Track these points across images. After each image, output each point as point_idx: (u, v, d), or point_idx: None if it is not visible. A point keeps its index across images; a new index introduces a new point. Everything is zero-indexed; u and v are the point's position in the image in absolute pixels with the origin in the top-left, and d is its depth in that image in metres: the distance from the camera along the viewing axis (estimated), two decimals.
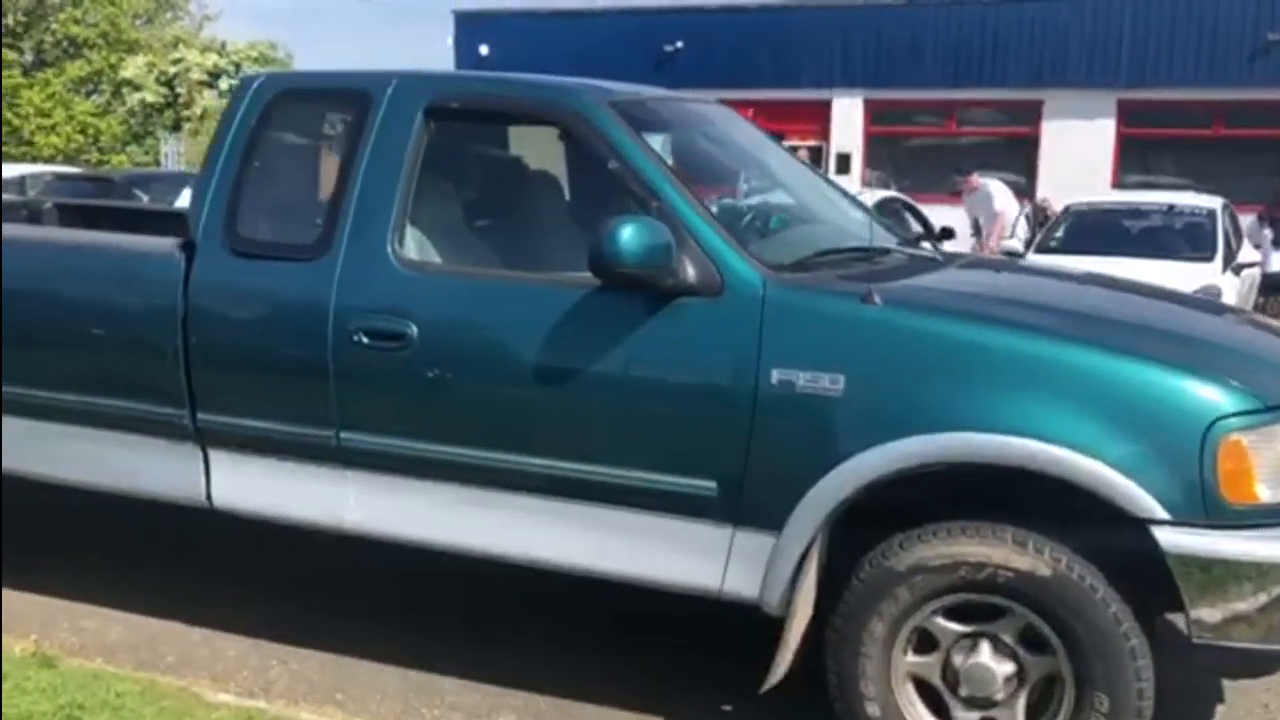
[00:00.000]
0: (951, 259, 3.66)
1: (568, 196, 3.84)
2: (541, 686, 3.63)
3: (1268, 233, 13.98)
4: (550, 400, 3.19)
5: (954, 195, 13.73)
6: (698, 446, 3.05)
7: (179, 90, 30.93)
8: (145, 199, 14.30)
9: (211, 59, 31.14)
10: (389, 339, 3.33)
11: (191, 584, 4.43)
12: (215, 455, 3.67)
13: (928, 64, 17.69)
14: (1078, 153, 16.74)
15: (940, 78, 17.67)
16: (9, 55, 29.31)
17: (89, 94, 32.06)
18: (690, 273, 3.04)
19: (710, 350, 3.03)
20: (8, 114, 26.88)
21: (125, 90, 30.89)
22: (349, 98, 3.60)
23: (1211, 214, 10.15)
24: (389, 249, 3.39)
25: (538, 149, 4.08)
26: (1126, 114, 17.06)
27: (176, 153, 25.48)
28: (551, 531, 3.23)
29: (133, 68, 30.76)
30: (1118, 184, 16.68)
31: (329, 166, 3.59)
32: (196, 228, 3.64)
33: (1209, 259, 9.41)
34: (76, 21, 31.10)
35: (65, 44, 31.83)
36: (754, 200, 3.86)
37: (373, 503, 3.46)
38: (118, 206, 7.00)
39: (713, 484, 3.04)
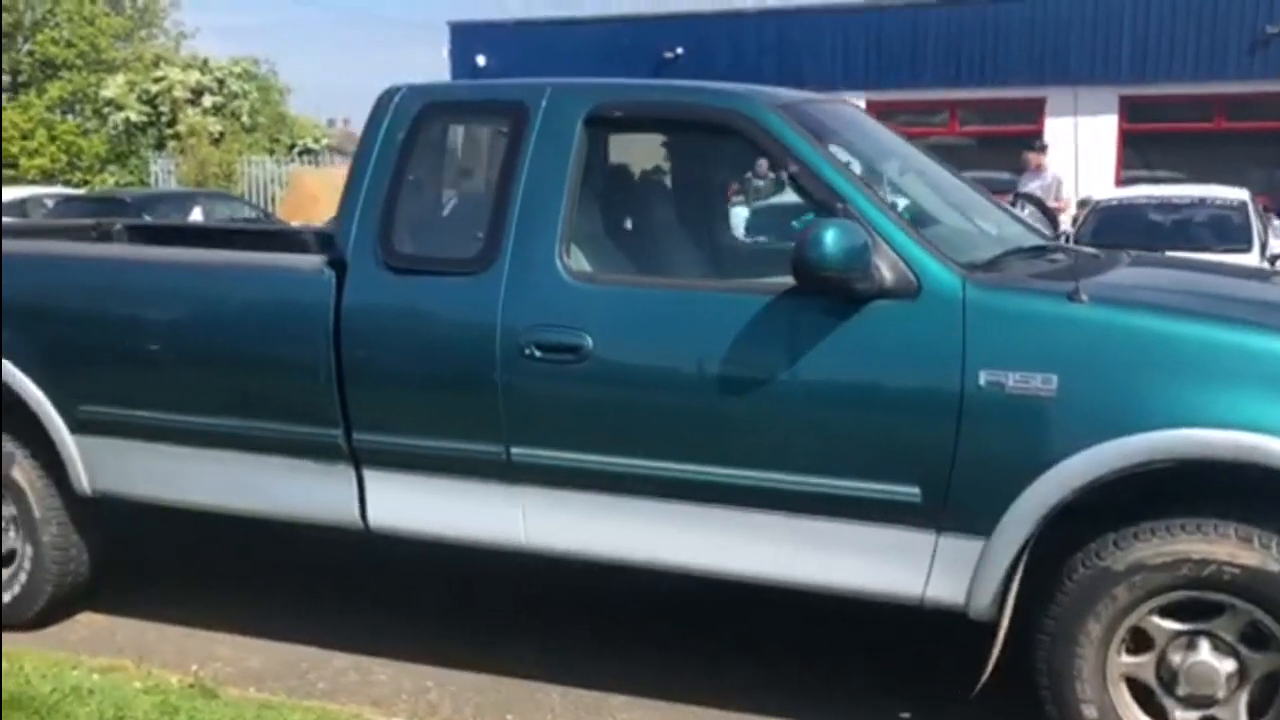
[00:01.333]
0: (1116, 256, 3.65)
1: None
2: (712, 700, 3.58)
3: (1278, 223, 14.14)
4: (741, 408, 3.14)
5: None
6: (901, 452, 3.01)
7: (162, 109, 30.61)
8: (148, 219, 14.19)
9: (194, 76, 30.81)
10: (563, 351, 3.28)
11: (321, 608, 4.35)
12: (370, 475, 3.60)
13: (929, 64, 17.78)
14: (1081, 149, 16.82)
15: (941, 77, 17.76)
16: None
17: (65, 114, 31.73)
18: (886, 275, 3.00)
19: (911, 353, 3.00)
20: None
21: (107, 110, 30.54)
22: (503, 109, 3.54)
23: (1242, 205, 10.23)
24: (557, 260, 3.33)
25: (640, 153, 4.04)
26: (1128, 109, 17.20)
27: (166, 171, 25.17)
28: (745, 543, 3.18)
29: (113, 87, 30.43)
30: (1121, 179, 16.79)
31: (485, 178, 3.53)
32: (346, 244, 3.57)
33: (1247, 249, 9.47)
34: (55, 43, 30.75)
35: (43, 65, 31.49)
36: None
37: (549, 519, 3.40)
38: (190, 226, 6.89)
39: (916, 490, 3.00)
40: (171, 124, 30.50)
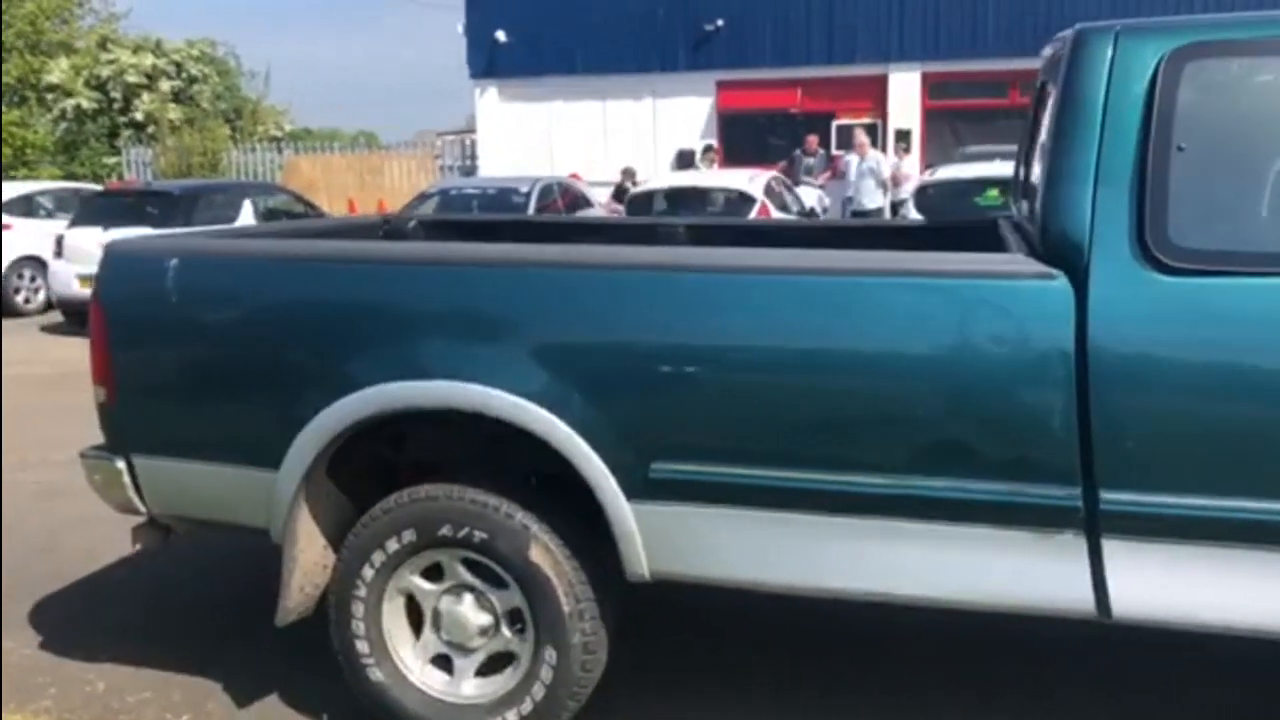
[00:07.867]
0: None
1: None
2: None
3: None
4: None
5: None
6: None
7: (114, 95, 28.64)
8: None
9: (148, 60, 28.87)
10: None
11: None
12: (1113, 547, 2.67)
13: (989, 33, 17.11)
14: None
15: (1002, 47, 17.10)
16: None
17: (11, 103, 29.37)
18: None
19: None
20: None
21: (52, 97, 28.44)
22: None
23: None
24: None
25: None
26: None
27: (143, 162, 23.35)
28: None
29: (58, 72, 28.32)
30: None
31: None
32: (1081, 239, 2.64)
33: None
34: None
35: None
36: None
37: None
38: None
39: None
40: (125, 111, 28.55)
